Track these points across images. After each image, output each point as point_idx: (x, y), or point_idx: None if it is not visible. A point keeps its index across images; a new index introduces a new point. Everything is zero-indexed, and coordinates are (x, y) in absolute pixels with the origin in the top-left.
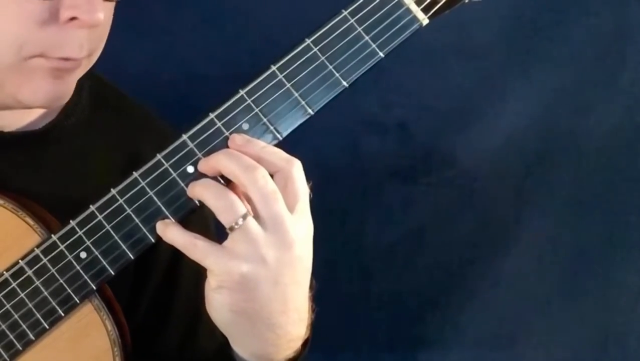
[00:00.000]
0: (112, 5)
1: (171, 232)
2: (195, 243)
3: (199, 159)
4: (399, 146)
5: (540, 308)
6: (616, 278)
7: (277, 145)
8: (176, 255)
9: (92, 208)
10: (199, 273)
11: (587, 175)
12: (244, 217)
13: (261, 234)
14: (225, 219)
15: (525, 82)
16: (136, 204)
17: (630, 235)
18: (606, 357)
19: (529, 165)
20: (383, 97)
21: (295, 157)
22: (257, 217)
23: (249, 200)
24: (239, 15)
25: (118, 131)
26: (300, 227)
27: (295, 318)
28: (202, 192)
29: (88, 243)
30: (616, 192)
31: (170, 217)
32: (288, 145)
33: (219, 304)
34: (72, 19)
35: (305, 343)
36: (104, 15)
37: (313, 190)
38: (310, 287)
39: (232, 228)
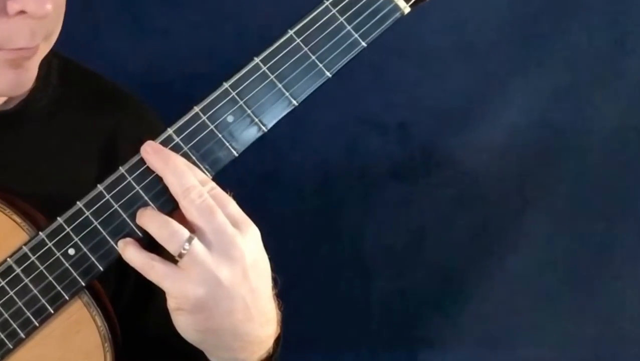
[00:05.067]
0: None
1: (129, 252)
2: (152, 265)
3: (185, 153)
4: (399, 146)
5: (541, 308)
6: (617, 278)
7: (262, 137)
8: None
9: (80, 204)
10: None
11: (587, 175)
12: (189, 240)
13: (208, 255)
14: (171, 247)
15: (525, 82)
16: (123, 199)
17: (631, 234)
18: (607, 357)
19: (529, 165)
20: (383, 97)
21: (296, 156)
22: (202, 236)
23: (191, 220)
24: (239, 15)
25: (93, 109)
26: (244, 235)
27: (261, 321)
28: (147, 223)
29: (76, 239)
30: (616, 192)
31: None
32: (288, 145)
33: (182, 324)
34: (21, 12)
35: (277, 340)
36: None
37: (236, 198)
38: (274, 286)
39: (180, 255)
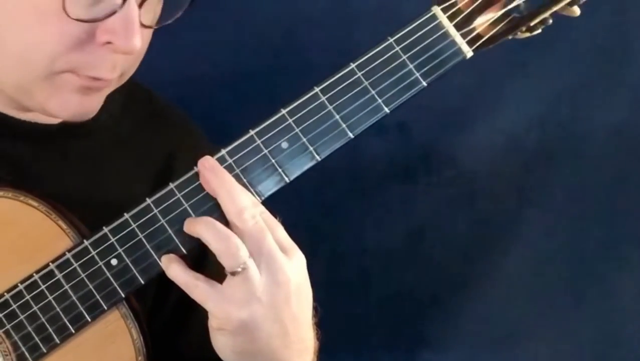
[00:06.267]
0: (150, 30)
1: (173, 269)
2: (197, 284)
3: (237, 175)
4: (399, 146)
5: (540, 308)
6: (616, 278)
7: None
8: (202, 260)
9: (126, 216)
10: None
11: (587, 175)
12: (245, 261)
13: (257, 277)
14: (228, 263)
15: (525, 82)
16: (171, 215)
17: (631, 234)
18: (606, 356)
19: (529, 165)
20: None
21: None
22: (251, 256)
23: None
24: (239, 15)
25: (153, 130)
26: (291, 261)
27: (300, 348)
28: (203, 232)
29: (120, 250)
30: (616, 191)
31: None
32: None
33: (221, 345)
34: (108, 42)
35: None
36: (142, 40)
37: (284, 223)
38: (314, 315)
39: (234, 273)
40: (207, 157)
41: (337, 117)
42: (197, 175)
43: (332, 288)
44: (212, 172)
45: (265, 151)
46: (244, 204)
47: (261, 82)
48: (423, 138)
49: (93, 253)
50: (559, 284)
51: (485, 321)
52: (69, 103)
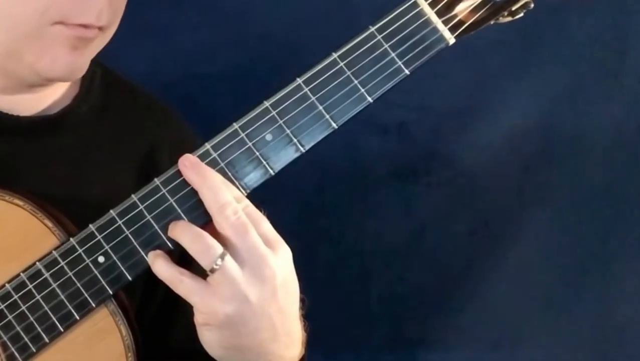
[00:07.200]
0: None
1: (158, 265)
2: (182, 279)
3: (221, 169)
4: (399, 146)
5: (541, 307)
6: (616, 278)
7: (299, 157)
8: (188, 256)
9: (113, 213)
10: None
11: (587, 175)
12: (222, 256)
13: (240, 273)
14: (204, 261)
15: (525, 82)
16: (156, 211)
17: (631, 233)
18: (607, 356)
19: (529, 165)
20: (383, 97)
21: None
22: (234, 253)
23: (224, 236)
24: (239, 15)
25: (135, 122)
26: (275, 254)
27: (287, 341)
28: (179, 235)
29: (107, 247)
30: (616, 191)
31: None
32: None
33: (208, 339)
34: None
35: None
36: None
37: (269, 216)
38: (301, 306)
39: (212, 270)
40: (187, 155)
41: (321, 107)
42: None
43: (332, 288)
44: (192, 169)
45: (250, 144)
46: (226, 200)
47: (261, 82)
48: (423, 138)
49: (80, 251)
50: (559, 283)
51: (486, 321)
52: (60, 59)
